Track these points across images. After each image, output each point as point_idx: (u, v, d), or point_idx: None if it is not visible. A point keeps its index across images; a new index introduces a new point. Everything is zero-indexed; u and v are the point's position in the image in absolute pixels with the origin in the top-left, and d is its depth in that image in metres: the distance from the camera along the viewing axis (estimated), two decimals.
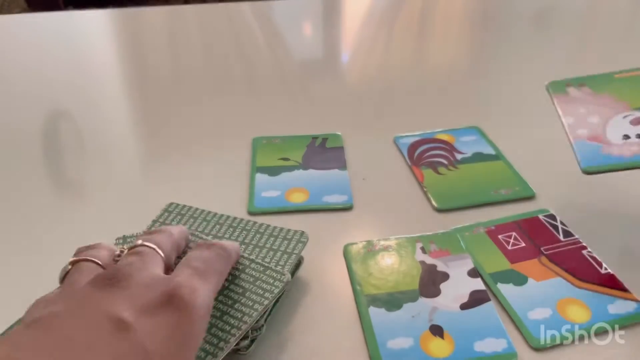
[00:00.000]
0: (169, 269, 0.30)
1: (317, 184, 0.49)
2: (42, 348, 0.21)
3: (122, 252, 0.30)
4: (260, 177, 0.50)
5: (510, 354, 0.34)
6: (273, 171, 0.50)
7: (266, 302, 0.32)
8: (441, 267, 0.40)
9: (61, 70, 0.72)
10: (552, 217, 0.44)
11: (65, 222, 0.45)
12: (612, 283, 0.38)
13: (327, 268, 0.40)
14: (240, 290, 0.33)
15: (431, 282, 0.39)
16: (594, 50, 0.80)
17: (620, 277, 0.39)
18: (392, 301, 0.37)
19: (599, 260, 0.40)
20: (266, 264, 0.35)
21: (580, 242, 0.42)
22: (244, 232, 0.39)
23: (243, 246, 0.37)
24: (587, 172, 0.39)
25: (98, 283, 0.25)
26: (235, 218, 0.40)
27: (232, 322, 0.31)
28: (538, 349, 0.34)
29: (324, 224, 0.44)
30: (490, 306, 0.37)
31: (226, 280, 0.33)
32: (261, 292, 0.33)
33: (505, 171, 0.50)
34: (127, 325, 0.23)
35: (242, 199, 0.47)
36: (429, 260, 0.41)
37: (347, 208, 0.46)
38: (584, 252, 0.41)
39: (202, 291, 0.26)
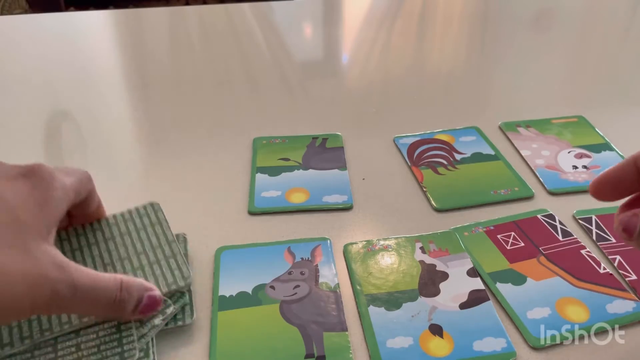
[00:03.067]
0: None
1: (317, 184, 0.49)
2: None
3: None
4: (260, 177, 0.50)
5: (509, 353, 0.34)
6: (273, 171, 0.51)
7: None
8: (440, 266, 0.40)
9: (62, 71, 0.72)
10: (551, 217, 0.45)
11: None
12: (611, 283, 0.38)
13: None
14: None
15: (430, 281, 0.39)
16: (593, 51, 0.80)
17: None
18: (392, 301, 0.37)
19: (598, 260, 0.40)
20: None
21: (579, 242, 0.42)
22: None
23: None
24: (552, 194, 0.48)
25: None
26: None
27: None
28: (537, 348, 0.34)
29: (324, 224, 0.45)
30: (490, 305, 0.37)
31: None
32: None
33: (505, 171, 0.50)
34: None
35: (242, 199, 0.47)
36: (428, 259, 0.41)
37: (347, 208, 0.46)
38: (583, 251, 0.41)
39: (59, 177, 0.31)
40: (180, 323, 0.35)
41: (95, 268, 0.36)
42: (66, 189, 0.31)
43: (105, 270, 0.36)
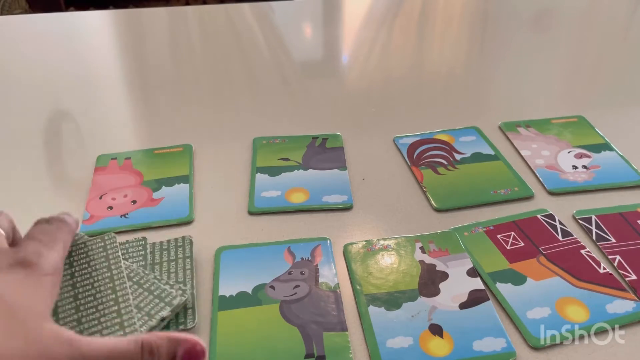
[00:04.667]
0: (13, 244, 0.33)
1: (317, 184, 0.49)
2: None
3: None
4: (260, 177, 0.50)
5: (509, 353, 0.34)
6: (273, 171, 0.51)
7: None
8: (440, 266, 0.40)
9: (62, 70, 0.72)
10: (551, 216, 0.45)
11: None
12: (610, 283, 0.38)
13: None
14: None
15: (430, 281, 0.39)
16: (593, 51, 0.80)
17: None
18: (392, 301, 0.37)
19: (598, 260, 0.40)
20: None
21: (578, 242, 0.42)
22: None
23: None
24: (552, 194, 0.48)
25: None
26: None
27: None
28: (537, 348, 0.34)
29: (324, 224, 0.45)
30: (489, 305, 0.37)
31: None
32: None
33: (504, 171, 0.50)
34: None
35: (243, 199, 0.47)
36: (428, 259, 0.41)
37: (346, 208, 0.46)
38: (583, 251, 0.41)
39: (47, 256, 0.31)
40: (182, 327, 0.35)
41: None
42: (57, 265, 0.31)
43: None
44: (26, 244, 0.31)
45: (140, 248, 0.40)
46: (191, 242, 0.41)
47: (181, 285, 0.37)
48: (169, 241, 0.41)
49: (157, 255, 0.40)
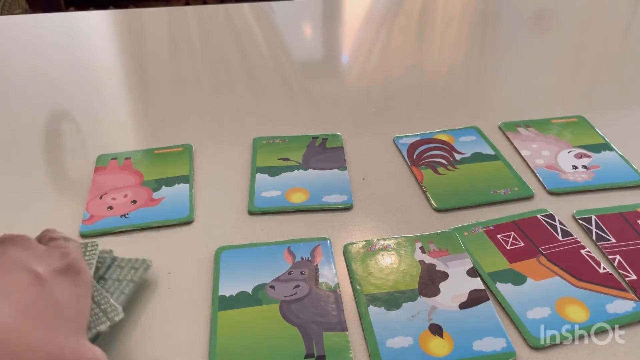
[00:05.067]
0: None
1: (317, 184, 0.49)
2: None
3: None
4: (260, 177, 0.50)
5: (509, 353, 0.34)
6: (273, 171, 0.51)
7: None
8: (440, 266, 0.40)
9: (62, 71, 0.72)
10: (551, 216, 0.45)
11: (65, 222, 0.45)
12: (610, 282, 0.38)
13: None
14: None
15: (430, 281, 0.39)
16: (593, 51, 0.80)
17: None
18: (392, 300, 0.37)
19: (598, 260, 0.40)
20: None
21: (578, 242, 0.42)
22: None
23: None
24: (552, 194, 0.48)
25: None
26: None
27: None
28: (537, 348, 0.34)
29: (324, 224, 0.45)
30: (489, 305, 0.37)
31: None
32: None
33: (504, 171, 0.50)
34: (43, 279, 0.30)
35: (243, 199, 0.47)
36: (428, 259, 0.41)
37: (346, 208, 0.46)
38: (583, 251, 0.41)
39: (85, 267, 0.34)
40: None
41: None
42: (90, 276, 0.34)
43: None
44: (67, 246, 0.34)
45: (101, 260, 0.38)
46: (147, 267, 0.39)
47: (106, 306, 0.35)
48: (130, 259, 0.39)
49: (110, 270, 0.38)
